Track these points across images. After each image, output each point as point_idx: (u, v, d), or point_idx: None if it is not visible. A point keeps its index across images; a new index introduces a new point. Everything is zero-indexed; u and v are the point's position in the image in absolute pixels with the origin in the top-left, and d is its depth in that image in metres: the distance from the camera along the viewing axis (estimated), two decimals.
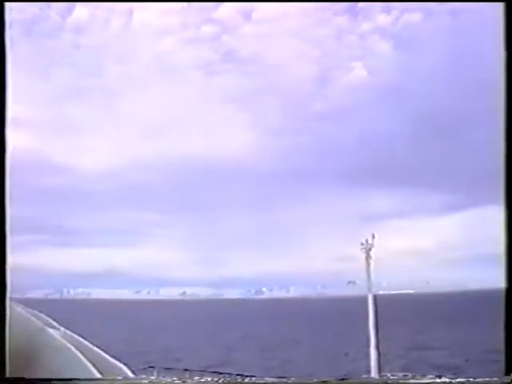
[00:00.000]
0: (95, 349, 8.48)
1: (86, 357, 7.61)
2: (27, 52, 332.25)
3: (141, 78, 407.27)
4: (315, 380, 7.98)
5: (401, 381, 17.36)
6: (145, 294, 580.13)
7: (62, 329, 10.02)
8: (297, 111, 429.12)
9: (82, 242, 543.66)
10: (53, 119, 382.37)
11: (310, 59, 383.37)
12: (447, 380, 9.61)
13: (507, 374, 5.92)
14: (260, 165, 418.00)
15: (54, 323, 9.92)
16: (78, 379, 6.69)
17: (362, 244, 33.67)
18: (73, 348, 7.81)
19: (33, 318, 8.57)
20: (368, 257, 33.59)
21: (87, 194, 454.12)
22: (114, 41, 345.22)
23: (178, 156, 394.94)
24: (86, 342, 8.68)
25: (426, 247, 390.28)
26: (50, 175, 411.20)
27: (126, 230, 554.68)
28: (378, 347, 32.28)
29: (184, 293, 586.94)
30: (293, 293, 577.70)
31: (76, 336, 9.52)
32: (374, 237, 33.92)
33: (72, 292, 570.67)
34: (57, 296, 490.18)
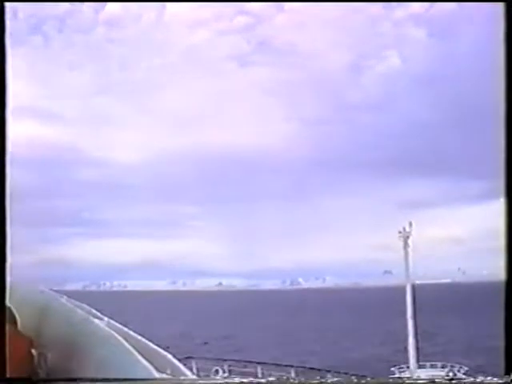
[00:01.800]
0: (140, 338, 8.70)
1: (131, 345, 7.80)
2: (61, 47, 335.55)
3: (174, 70, 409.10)
4: (315, 380, 8.13)
5: (401, 381, 17.37)
6: (181, 285, 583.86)
7: (106, 319, 10.26)
8: (332, 101, 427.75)
9: (117, 234, 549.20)
10: (86, 113, 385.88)
11: (345, 48, 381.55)
12: (447, 380, 9.62)
13: (507, 374, 6.00)
14: (296, 155, 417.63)
15: (98, 313, 10.17)
16: (81, 379, 6.85)
17: (399, 232, 33.46)
18: (118, 337, 8.02)
19: (77, 309, 8.81)
20: (406, 245, 33.35)
21: (121, 186, 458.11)
22: (146, 34, 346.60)
23: (213, 148, 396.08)
24: (131, 332, 8.91)
25: (462, 236, 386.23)
26: (84, 168, 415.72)
27: (160, 222, 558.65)
28: (416, 337, 32.17)
29: (220, 284, 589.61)
30: (328, 283, 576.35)
31: (120, 326, 9.75)
32: (411, 225, 33.66)
33: (108, 284, 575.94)
34: (94, 288, 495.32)
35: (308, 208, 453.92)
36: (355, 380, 8.26)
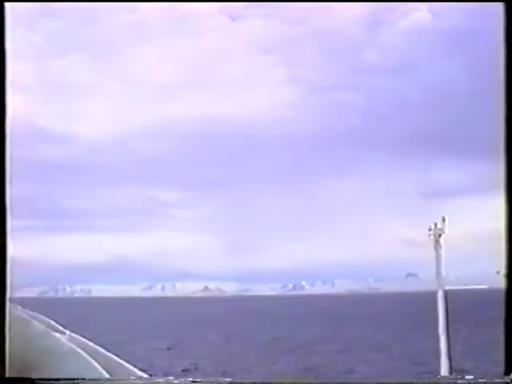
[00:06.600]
0: (107, 353, 8.96)
1: (97, 362, 8.05)
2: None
3: (152, 27, 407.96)
4: (314, 380, 8.64)
5: (401, 381, 18.69)
6: (158, 291, 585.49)
7: (68, 332, 10.56)
8: (342, 63, 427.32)
9: (81, 227, 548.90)
10: (49, 79, 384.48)
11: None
12: (448, 381, 10.40)
13: (507, 374, 6.71)
14: (299, 129, 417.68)
15: (59, 326, 10.46)
16: (83, 379, 7.19)
17: (429, 229, 33.37)
18: (83, 353, 8.26)
19: (34, 321, 8.99)
20: (437, 245, 33.25)
21: (89, 167, 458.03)
22: None
23: (199, 120, 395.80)
24: (97, 347, 9.23)
25: (500, 231, 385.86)
26: (45, 145, 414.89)
27: (135, 211, 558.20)
28: (449, 355, 32.18)
29: (206, 288, 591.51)
30: (339, 288, 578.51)
31: (84, 340, 10.06)
32: (444, 220, 33.58)
33: (69, 289, 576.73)
34: (51, 294, 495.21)
35: (314, 194, 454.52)
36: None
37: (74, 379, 7.25)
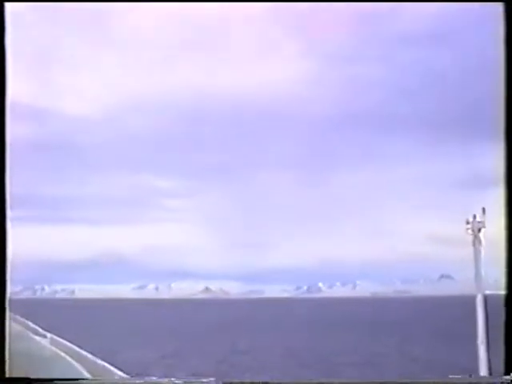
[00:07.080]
0: (91, 357, 9.25)
1: (82, 366, 8.34)
2: None
3: None
4: (315, 380, 9.26)
5: (400, 381, 19.63)
6: (151, 291, 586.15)
7: (49, 335, 10.85)
8: (366, 32, 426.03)
9: (64, 218, 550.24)
10: (22, 45, 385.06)
11: None
12: (448, 381, 10.83)
13: (507, 374, 7.63)
14: (314, 106, 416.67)
15: (39, 329, 10.75)
16: (83, 379, 7.49)
17: (467, 223, 33.27)
18: (67, 357, 8.53)
19: (13, 323, 9.17)
20: (477, 240, 33.13)
21: (75, 148, 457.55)
22: None
23: (201, 95, 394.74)
24: (81, 350, 9.54)
25: None
26: (26, 123, 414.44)
27: (126, 200, 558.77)
28: (490, 368, 32.11)
29: (206, 289, 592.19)
30: (361, 290, 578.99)
31: (67, 343, 10.36)
32: (484, 212, 33.47)
33: (47, 289, 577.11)
34: (28, 295, 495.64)
35: (331, 183, 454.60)
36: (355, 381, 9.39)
37: (75, 379, 7.56)
